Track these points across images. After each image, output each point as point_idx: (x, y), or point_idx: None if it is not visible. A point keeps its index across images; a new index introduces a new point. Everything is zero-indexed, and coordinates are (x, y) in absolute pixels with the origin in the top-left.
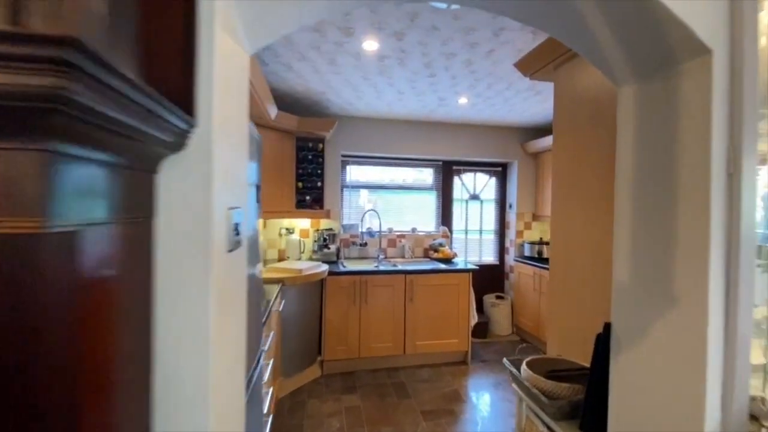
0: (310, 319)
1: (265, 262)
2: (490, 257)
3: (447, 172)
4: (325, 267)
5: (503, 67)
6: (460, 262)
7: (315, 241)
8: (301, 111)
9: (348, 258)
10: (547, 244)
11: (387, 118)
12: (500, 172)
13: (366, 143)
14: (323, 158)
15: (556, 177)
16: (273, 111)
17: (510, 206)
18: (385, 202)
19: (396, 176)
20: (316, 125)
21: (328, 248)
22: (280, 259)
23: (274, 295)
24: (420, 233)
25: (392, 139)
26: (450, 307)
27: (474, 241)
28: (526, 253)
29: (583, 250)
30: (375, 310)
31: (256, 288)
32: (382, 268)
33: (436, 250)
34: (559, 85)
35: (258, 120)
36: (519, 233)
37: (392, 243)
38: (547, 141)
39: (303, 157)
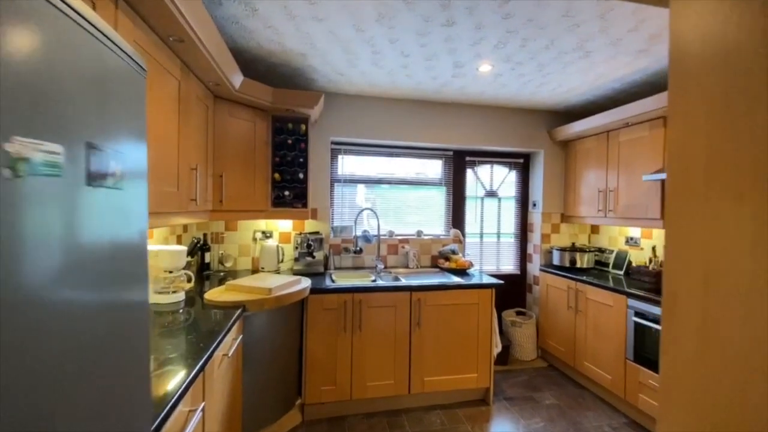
0: (286, 352)
1: (235, 275)
2: (509, 266)
3: (459, 164)
4: (306, 283)
5: (552, 9)
6: (476, 274)
7: (296, 248)
8: (279, 84)
9: (339, 269)
10: (581, 250)
11: (387, 95)
12: (522, 164)
13: (361, 127)
14: (307, 143)
15: (674, 160)
16: (236, 78)
17: (534, 205)
18: (385, 200)
19: (398, 169)
20: (297, 99)
21: (313, 256)
22: (254, 271)
23: (226, 328)
24: (427, 237)
25: (393, 122)
26: (467, 333)
27: (490, 246)
28: (555, 261)
29: (748, 279)
30: (372, 338)
31: (136, 325)
32: (381, 282)
33: (447, 259)
34: (682, 9)
35: (216, 90)
36: (545, 237)
37: (393, 249)
38: (581, 126)
39: (281, 143)
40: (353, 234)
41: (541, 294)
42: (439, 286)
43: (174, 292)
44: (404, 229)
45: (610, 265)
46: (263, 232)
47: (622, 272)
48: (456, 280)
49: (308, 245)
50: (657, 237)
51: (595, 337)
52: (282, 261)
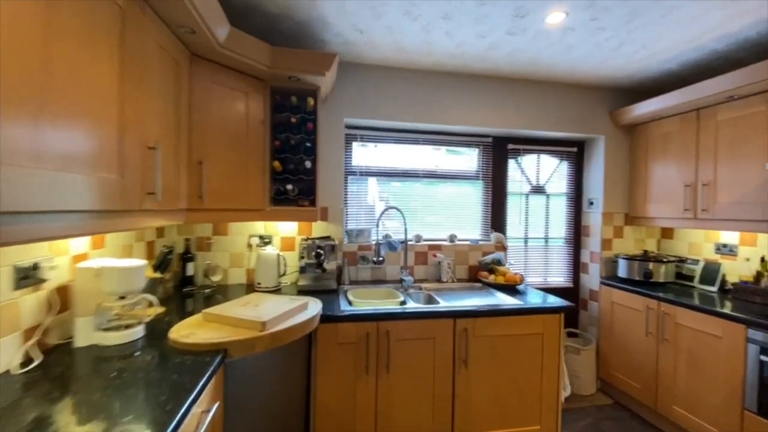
0: (287, 401)
1: (225, 292)
2: (559, 277)
3: (500, 153)
4: (314, 309)
5: None
6: (532, 292)
7: (302, 257)
8: (279, 43)
9: (355, 283)
10: (657, 260)
11: (417, 65)
12: (575, 153)
13: (383, 106)
14: (316, 123)
15: None
16: (221, 28)
17: (591, 203)
18: (407, 197)
19: (425, 159)
20: (303, 61)
21: (323, 269)
22: (249, 286)
23: (191, 396)
24: (462, 243)
25: (422, 99)
26: (529, 372)
27: (536, 252)
28: (622, 272)
29: None
30: (403, 382)
31: None
32: (414, 306)
33: (491, 270)
34: None
35: (192, 42)
36: (606, 243)
37: (422, 258)
38: (658, 103)
39: (283, 122)
40: (372, 239)
41: (603, 313)
42: (492, 310)
43: (127, 327)
44: (433, 233)
45: (696, 279)
46: (261, 237)
47: (714, 288)
48: (509, 300)
49: (317, 254)
50: (764, 244)
51: (691, 376)
52: (284, 274)
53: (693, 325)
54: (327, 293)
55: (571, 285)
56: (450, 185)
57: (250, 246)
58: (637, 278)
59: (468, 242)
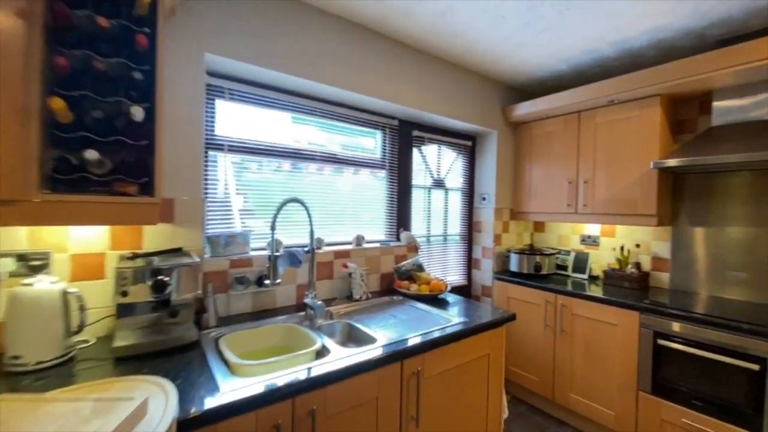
0: None
1: None
2: (456, 275)
3: (405, 139)
4: (157, 413)
5: None
6: (456, 300)
7: (122, 291)
8: None
9: (228, 321)
10: (542, 253)
11: (325, 6)
12: (470, 147)
13: (268, 47)
14: (154, 41)
15: None
16: None
17: (483, 199)
18: (298, 188)
19: (322, 138)
20: None
21: (172, 312)
22: None
23: None
24: (371, 246)
25: (319, 51)
26: (475, 406)
27: (438, 250)
28: (514, 267)
29: None
30: None
31: None
32: (342, 355)
33: (412, 279)
34: None
35: None
36: (497, 238)
37: (326, 270)
38: (548, 103)
39: (79, 26)
40: (249, 249)
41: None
42: (445, 336)
43: None
44: (333, 235)
45: (569, 269)
46: (20, 259)
47: (585, 276)
48: (446, 316)
49: (157, 283)
50: (622, 235)
51: (588, 364)
52: (80, 329)
53: (591, 315)
54: (180, 353)
55: (465, 283)
56: (353, 174)
57: None
58: (527, 271)
59: (378, 245)
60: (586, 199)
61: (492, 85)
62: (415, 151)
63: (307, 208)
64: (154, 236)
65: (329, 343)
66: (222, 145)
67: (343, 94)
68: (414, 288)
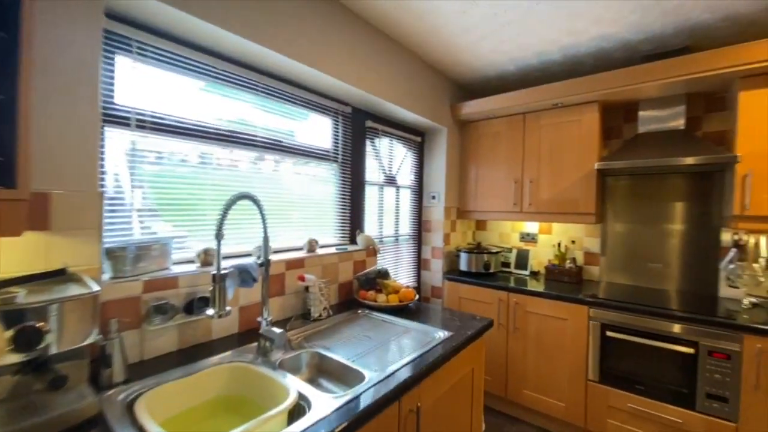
0: None
1: None
2: (407, 277)
3: (358, 129)
4: None
5: None
6: (425, 308)
7: None
8: None
9: (141, 370)
10: (488, 252)
11: None
12: (419, 143)
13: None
14: None
15: None
16: None
17: (433, 197)
18: (235, 180)
19: (257, 117)
20: None
21: (52, 373)
22: None
23: None
24: (327, 252)
25: (268, 11)
26: (459, 419)
27: (390, 251)
28: (463, 266)
29: None
30: None
31: None
32: (328, 408)
33: (377, 288)
34: None
35: None
36: (446, 237)
37: (278, 284)
38: (496, 102)
39: None
40: (171, 263)
41: None
42: (439, 358)
43: None
44: (280, 240)
45: (512, 265)
46: None
47: (527, 272)
48: (423, 329)
49: (25, 334)
50: (558, 233)
51: (540, 360)
52: None
53: (542, 312)
54: None
55: (415, 284)
56: (302, 165)
57: None
58: (476, 270)
59: (334, 249)
60: (532, 198)
61: (443, 80)
62: (368, 145)
63: (260, 207)
64: (15, 252)
65: (306, 388)
66: (127, 118)
67: (294, 68)
68: (382, 298)
